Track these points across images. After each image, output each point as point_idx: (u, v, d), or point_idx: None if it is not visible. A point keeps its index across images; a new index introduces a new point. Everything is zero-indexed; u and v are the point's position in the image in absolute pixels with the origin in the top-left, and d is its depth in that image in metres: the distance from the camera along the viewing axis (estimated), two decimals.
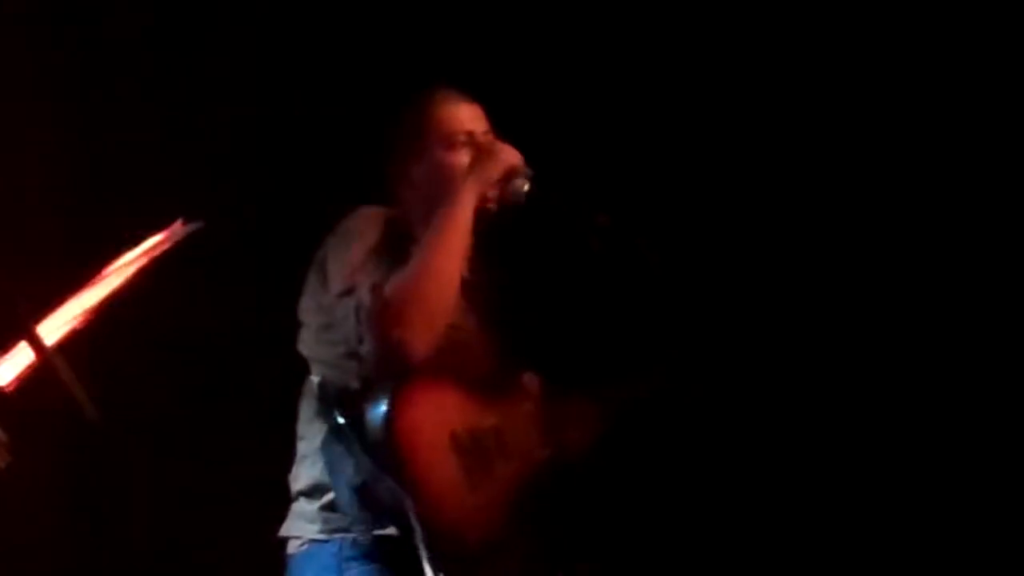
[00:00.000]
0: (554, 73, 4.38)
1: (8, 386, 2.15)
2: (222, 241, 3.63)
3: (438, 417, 3.06)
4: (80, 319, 2.21)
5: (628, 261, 3.16)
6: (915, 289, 4.30)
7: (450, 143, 3.22)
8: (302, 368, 3.20)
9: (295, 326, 3.21)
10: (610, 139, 4.35)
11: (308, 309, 3.17)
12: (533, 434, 3.20)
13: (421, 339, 2.99)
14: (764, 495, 4.36)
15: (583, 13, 4.44)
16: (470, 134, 3.23)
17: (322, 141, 4.33)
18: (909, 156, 4.29)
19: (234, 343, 4.18)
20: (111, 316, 2.26)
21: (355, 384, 3.06)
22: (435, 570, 2.93)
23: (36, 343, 2.00)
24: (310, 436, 3.15)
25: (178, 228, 2.32)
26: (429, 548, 2.93)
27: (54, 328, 2.17)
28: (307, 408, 3.17)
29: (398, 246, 3.14)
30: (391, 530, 3.01)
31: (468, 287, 3.15)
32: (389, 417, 2.97)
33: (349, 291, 3.04)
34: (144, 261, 2.27)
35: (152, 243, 2.29)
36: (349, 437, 3.02)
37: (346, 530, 3.05)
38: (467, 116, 3.25)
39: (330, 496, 3.08)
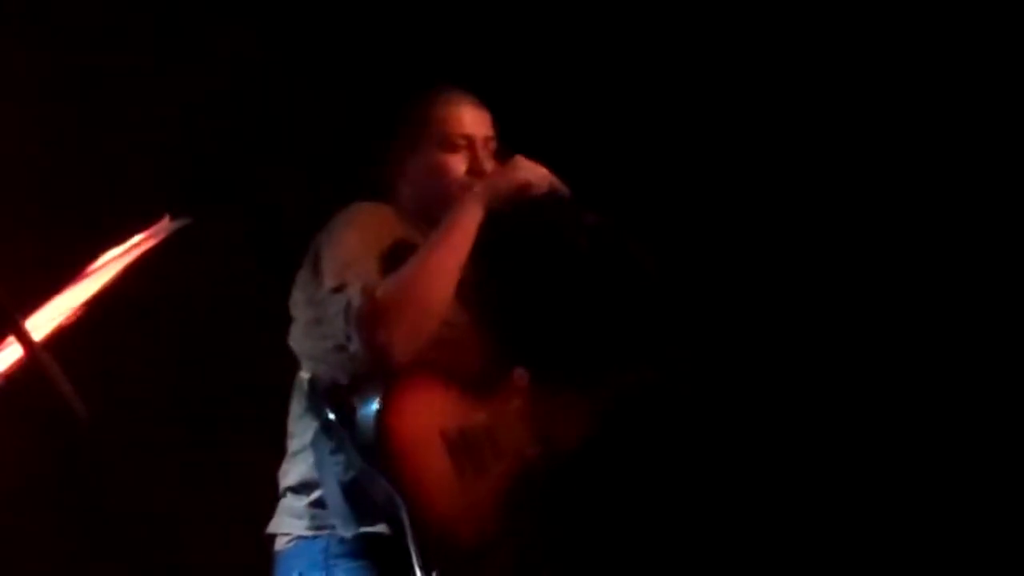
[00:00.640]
0: (545, 72, 4.38)
1: None
2: (213, 235, 3.64)
3: (429, 415, 3.07)
4: (68, 315, 2.20)
5: (617, 260, 3.16)
6: (914, 286, 4.31)
7: (447, 144, 3.22)
8: (292, 363, 3.20)
9: (286, 320, 3.21)
10: (600, 138, 4.35)
11: (299, 303, 3.17)
12: (523, 431, 3.21)
13: (405, 347, 2.98)
14: (756, 493, 4.36)
15: (580, 12, 4.44)
16: (468, 137, 3.23)
17: (317, 134, 4.32)
18: (908, 155, 4.30)
19: (224, 338, 4.18)
20: (99, 312, 2.25)
21: (345, 380, 3.06)
22: (426, 570, 2.93)
23: (24, 339, 2.00)
24: (300, 432, 3.15)
25: (165, 224, 2.31)
26: (420, 547, 2.93)
27: (42, 324, 2.17)
28: (297, 404, 3.18)
29: (392, 242, 3.14)
30: (379, 528, 3.01)
31: (459, 284, 3.14)
32: (380, 415, 2.97)
33: (340, 287, 3.04)
34: (132, 257, 2.26)
35: (139, 239, 2.28)
36: (339, 434, 3.02)
37: (334, 527, 3.05)
38: (470, 119, 3.25)
39: (318, 493, 3.08)
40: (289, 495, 3.16)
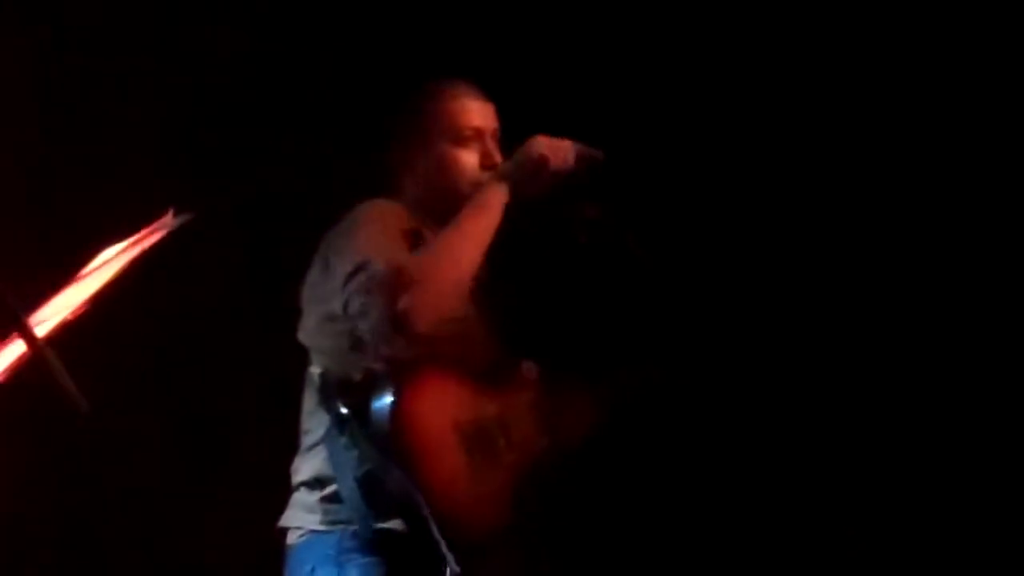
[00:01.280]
0: (546, 68, 4.37)
1: None
2: (216, 230, 3.64)
3: (443, 408, 3.06)
4: (71, 311, 2.20)
5: (614, 254, 3.15)
6: (913, 284, 4.30)
7: (459, 138, 3.21)
8: (300, 357, 3.19)
9: (294, 315, 3.20)
10: (601, 133, 4.34)
11: (311, 298, 3.15)
12: (533, 424, 3.21)
13: (428, 316, 2.95)
14: (757, 490, 4.36)
15: (580, 10, 4.44)
16: (479, 131, 3.22)
17: (320, 130, 4.32)
18: (908, 154, 4.29)
19: (229, 333, 4.18)
20: (103, 307, 2.25)
21: (357, 375, 3.04)
22: (450, 560, 2.93)
23: (27, 335, 2.00)
24: (313, 428, 3.13)
25: (169, 219, 2.31)
26: (442, 536, 2.93)
27: (45, 320, 2.17)
28: (309, 399, 3.16)
29: (407, 233, 3.12)
30: (393, 524, 3.00)
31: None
32: (395, 408, 2.96)
33: (359, 268, 3.01)
34: (135, 253, 2.26)
35: (143, 234, 2.28)
36: (353, 428, 3.00)
37: (347, 522, 3.04)
38: (479, 112, 3.24)
39: (332, 488, 3.07)
40: (303, 490, 3.15)
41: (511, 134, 3.26)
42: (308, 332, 3.17)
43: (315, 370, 3.14)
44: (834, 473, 4.33)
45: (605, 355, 3.37)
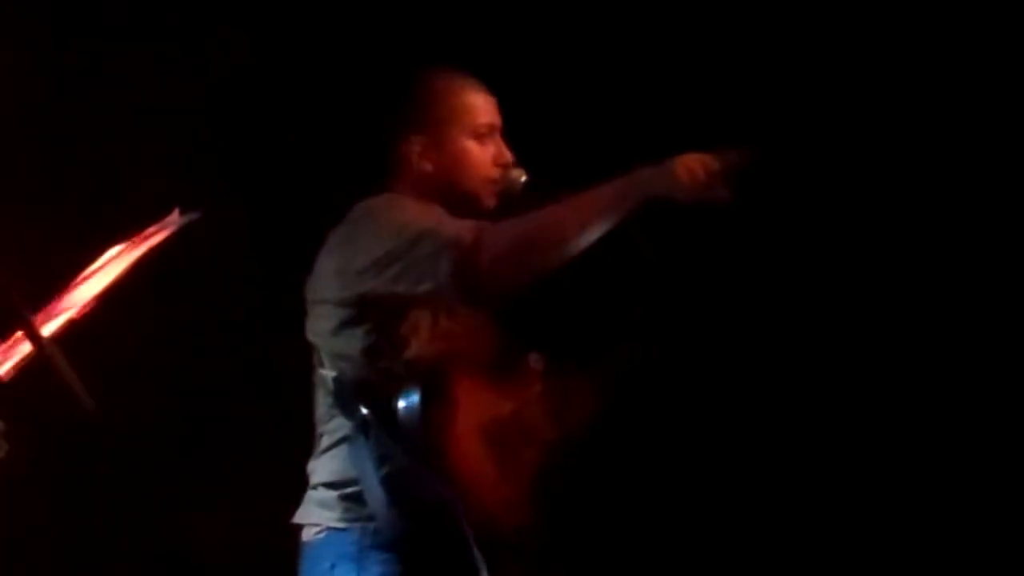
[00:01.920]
0: (550, 62, 4.37)
1: (4, 376, 2.15)
2: (222, 229, 3.63)
3: (466, 407, 3.03)
4: (78, 310, 2.21)
5: (623, 249, 3.13)
6: (912, 283, 4.30)
7: (477, 134, 3.17)
8: (305, 355, 3.16)
9: (301, 313, 3.18)
10: (605, 128, 4.34)
11: (323, 297, 3.10)
12: (545, 416, 3.17)
13: (508, 276, 2.95)
14: (756, 490, 4.36)
15: (581, 7, 4.43)
16: (493, 127, 3.20)
17: (322, 126, 4.32)
18: (907, 154, 4.29)
19: (235, 331, 4.18)
20: (109, 306, 2.25)
21: (375, 378, 3.01)
22: (484, 560, 2.92)
23: (33, 333, 2.00)
24: (330, 430, 3.10)
25: (175, 218, 2.31)
26: (476, 537, 2.92)
27: (51, 319, 2.17)
28: (323, 402, 3.13)
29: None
30: (417, 523, 2.99)
31: None
32: (424, 406, 2.94)
33: (419, 237, 2.96)
34: (142, 251, 2.27)
35: (149, 233, 2.28)
36: (375, 430, 2.98)
37: (366, 519, 3.02)
38: (491, 107, 3.21)
39: (353, 488, 3.04)
40: (320, 488, 3.12)
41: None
42: (321, 334, 3.11)
43: (328, 373, 3.08)
44: (834, 473, 4.33)
45: (606, 338, 3.34)
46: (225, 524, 4.10)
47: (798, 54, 4.33)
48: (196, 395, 4.18)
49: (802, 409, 4.34)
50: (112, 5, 4.17)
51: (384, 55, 4.24)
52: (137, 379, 4.03)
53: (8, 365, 2.15)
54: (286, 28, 4.33)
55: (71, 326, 2.17)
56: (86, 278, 2.25)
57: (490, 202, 3.16)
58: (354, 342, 3.04)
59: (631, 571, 4.38)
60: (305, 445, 3.17)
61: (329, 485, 3.10)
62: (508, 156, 3.19)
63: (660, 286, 3.17)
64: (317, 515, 3.12)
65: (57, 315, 2.17)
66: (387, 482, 2.98)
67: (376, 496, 2.99)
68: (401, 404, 2.95)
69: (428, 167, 3.18)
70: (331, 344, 3.09)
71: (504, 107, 3.23)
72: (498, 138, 3.21)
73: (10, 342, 2.15)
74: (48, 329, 2.12)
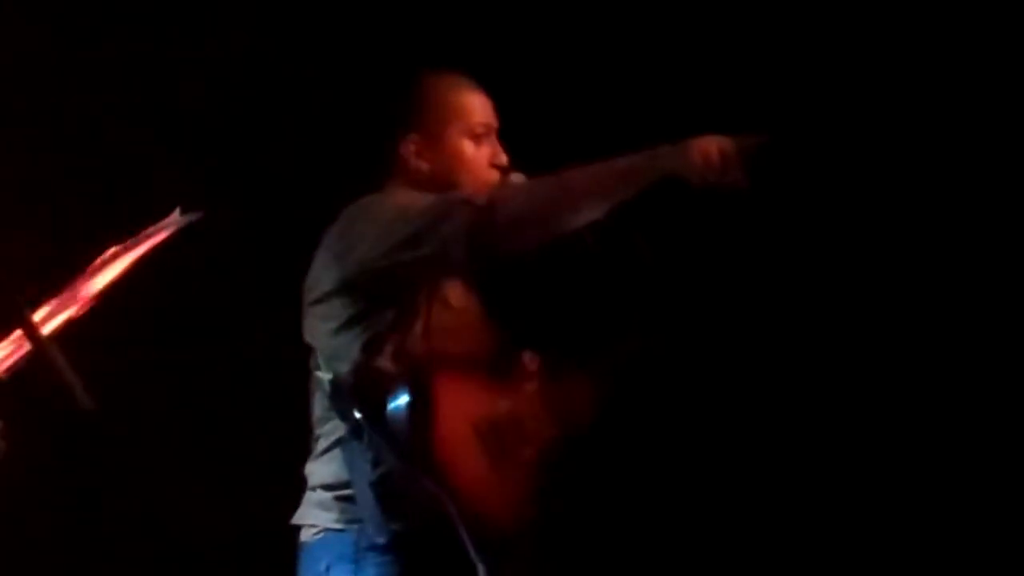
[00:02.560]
0: (548, 63, 4.37)
1: (3, 375, 2.15)
2: (222, 228, 3.63)
3: (458, 407, 3.03)
4: (77, 308, 2.21)
5: (620, 251, 3.13)
6: (912, 282, 4.30)
7: (474, 134, 3.18)
8: (303, 354, 3.16)
9: (300, 315, 3.18)
10: (603, 129, 4.34)
11: (327, 294, 3.09)
12: (542, 414, 3.17)
13: (525, 235, 2.96)
14: (755, 490, 4.36)
15: (580, 8, 4.43)
16: (490, 128, 3.20)
17: (321, 126, 4.32)
18: (907, 153, 4.28)
19: (234, 330, 4.19)
20: (109, 305, 2.25)
21: (370, 379, 3.00)
22: (482, 560, 2.92)
23: (32, 332, 2.00)
24: (326, 433, 3.11)
25: (176, 217, 2.31)
26: (472, 537, 2.92)
27: (50, 317, 2.17)
28: (319, 404, 3.13)
29: None
30: (409, 526, 2.98)
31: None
32: (413, 407, 2.93)
33: (427, 207, 2.97)
34: (142, 250, 2.27)
35: (150, 232, 2.28)
36: (369, 433, 2.98)
37: (363, 521, 3.03)
38: (488, 108, 3.21)
39: (348, 491, 3.05)
40: (318, 489, 3.13)
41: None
42: (319, 336, 3.12)
43: (324, 375, 3.08)
44: (833, 471, 4.33)
45: (601, 336, 3.34)
46: (225, 524, 4.11)
47: (809, 49, 4.32)
48: (196, 395, 4.18)
49: (802, 407, 4.34)
50: (112, 5, 4.17)
51: (382, 55, 4.24)
52: (137, 378, 4.03)
53: (7, 364, 2.15)
54: (286, 28, 4.33)
55: (71, 325, 2.17)
56: (86, 277, 2.24)
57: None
58: (353, 341, 3.04)
59: (629, 571, 4.38)
60: (304, 446, 3.17)
61: (327, 487, 3.10)
62: (504, 157, 3.20)
63: (658, 284, 3.17)
64: (315, 516, 3.12)
65: (57, 314, 2.17)
66: (380, 484, 2.98)
67: (366, 499, 2.99)
68: (391, 406, 2.95)
69: (424, 166, 3.18)
70: (329, 345, 3.09)
71: (500, 108, 3.23)
72: (494, 139, 3.21)
73: (9, 341, 2.15)
74: (48, 328, 2.12)
